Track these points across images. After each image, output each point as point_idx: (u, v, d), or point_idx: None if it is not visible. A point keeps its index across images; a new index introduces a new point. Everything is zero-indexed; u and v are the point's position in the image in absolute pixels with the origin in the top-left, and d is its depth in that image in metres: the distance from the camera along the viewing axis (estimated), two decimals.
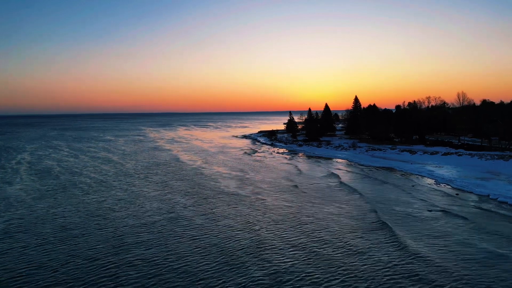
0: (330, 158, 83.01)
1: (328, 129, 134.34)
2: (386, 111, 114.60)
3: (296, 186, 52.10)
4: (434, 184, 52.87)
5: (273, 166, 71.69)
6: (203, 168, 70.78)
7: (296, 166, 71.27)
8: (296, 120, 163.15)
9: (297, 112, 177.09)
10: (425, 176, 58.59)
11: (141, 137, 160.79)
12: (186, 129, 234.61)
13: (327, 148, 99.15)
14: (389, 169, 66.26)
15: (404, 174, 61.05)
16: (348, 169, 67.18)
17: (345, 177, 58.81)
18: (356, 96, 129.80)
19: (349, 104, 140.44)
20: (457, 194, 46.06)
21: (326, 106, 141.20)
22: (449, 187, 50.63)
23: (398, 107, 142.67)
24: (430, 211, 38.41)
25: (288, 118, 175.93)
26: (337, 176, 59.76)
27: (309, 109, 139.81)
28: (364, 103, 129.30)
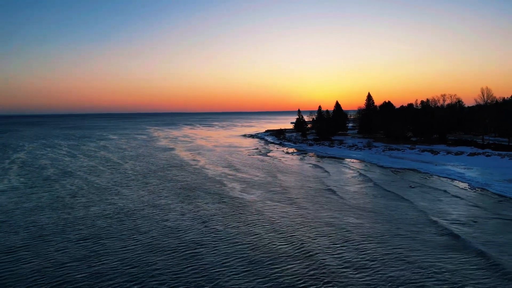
0: (345, 159, 76.67)
1: (339, 128, 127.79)
2: (403, 108, 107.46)
3: (331, 191, 46.05)
4: (469, 188, 46.38)
5: (287, 168, 65.64)
6: (208, 169, 65.07)
7: (312, 167, 65.21)
8: (305, 119, 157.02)
9: (305, 112, 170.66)
10: (455, 179, 52.10)
11: (144, 136, 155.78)
12: (191, 128, 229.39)
13: (340, 147, 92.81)
14: (413, 171, 59.78)
15: (431, 177, 54.60)
16: (369, 171, 60.83)
17: (373, 180, 52.56)
18: (369, 93, 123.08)
19: (357, 104, 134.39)
20: (500, 202, 39.66)
21: (337, 104, 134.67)
22: (488, 192, 44.11)
23: (410, 105, 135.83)
24: (484, 220, 32.18)
25: (296, 117, 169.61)
26: (364, 179, 53.58)
27: (319, 107, 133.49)
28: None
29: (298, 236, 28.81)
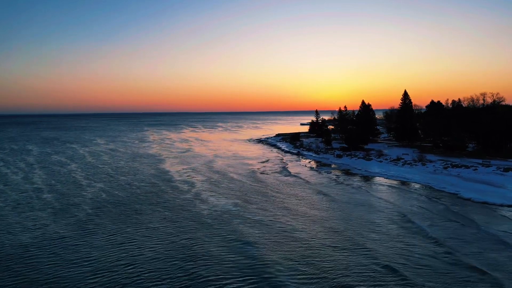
0: (397, 181, 54.39)
1: (369, 133, 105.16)
2: (461, 109, 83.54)
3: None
4: None
5: (319, 199, 43.47)
6: (203, 201, 43.07)
7: (362, 200, 42.94)
8: (316, 121, 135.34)
9: (323, 112, 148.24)
10: None
11: (136, 141, 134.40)
12: (192, 131, 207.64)
13: (381, 161, 70.10)
14: None
15: None
16: (465, 212, 38.46)
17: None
18: (405, 91, 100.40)
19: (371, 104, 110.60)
20: None
21: (364, 104, 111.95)
22: None
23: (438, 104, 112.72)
24: None
25: (310, 118, 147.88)
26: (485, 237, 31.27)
27: (344, 107, 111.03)
28: (380, 103, 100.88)
29: None
